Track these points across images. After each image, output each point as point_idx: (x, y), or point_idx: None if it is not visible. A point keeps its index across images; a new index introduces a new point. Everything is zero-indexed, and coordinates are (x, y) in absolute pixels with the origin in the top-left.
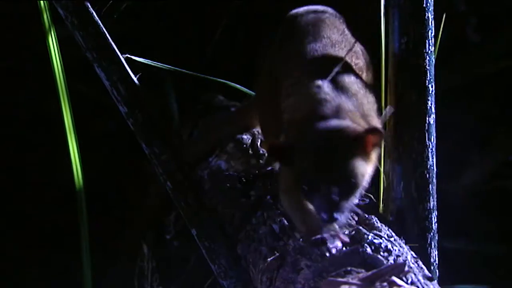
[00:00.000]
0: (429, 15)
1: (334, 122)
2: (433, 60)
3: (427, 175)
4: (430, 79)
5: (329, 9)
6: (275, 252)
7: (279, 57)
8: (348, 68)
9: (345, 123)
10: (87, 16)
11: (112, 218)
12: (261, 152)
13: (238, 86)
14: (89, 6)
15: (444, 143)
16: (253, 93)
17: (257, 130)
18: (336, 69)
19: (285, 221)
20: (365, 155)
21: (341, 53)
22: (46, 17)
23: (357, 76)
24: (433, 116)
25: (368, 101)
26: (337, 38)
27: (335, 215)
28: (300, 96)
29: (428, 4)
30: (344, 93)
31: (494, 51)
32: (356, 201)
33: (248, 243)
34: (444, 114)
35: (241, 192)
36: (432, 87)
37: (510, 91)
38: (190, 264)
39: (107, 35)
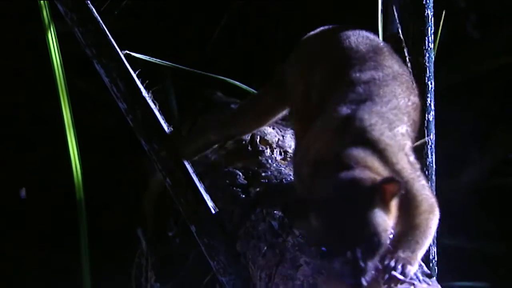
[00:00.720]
0: (429, 12)
1: (350, 174)
2: (433, 57)
3: (426, 172)
4: (429, 76)
5: (374, 35)
6: (274, 248)
7: (320, 73)
8: (402, 105)
9: (361, 173)
10: (86, 12)
11: (112, 215)
12: (260, 148)
13: (237, 83)
14: (89, 2)
15: (443, 140)
16: (252, 90)
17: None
18: (390, 104)
19: (284, 218)
20: (385, 207)
21: (400, 88)
22: (45, 13)
23: (408, 114)
24: (432, 113)
25: (407, 147)
26: (397, 70)
27: (361, 280)
28: (328, 125)
29: (428, 1)
30: (384, 132)
31: (493, 48)
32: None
33: (247, 239)
34: (444, 111)
35: (240, 189)
36: (431, 84)
37: (510, 88)
38: (189, 260)
39: (107, 31)
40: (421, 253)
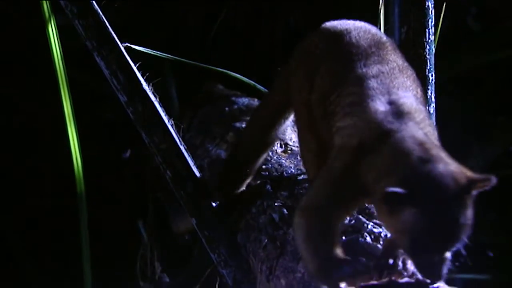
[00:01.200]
0: (430, 4)
1: (443, 167)
2: (433, 49)
3: None
4: (430, 68)
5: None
6: (275, 241)
7: (328, 70)
8: (418, 99)
9: (452, 167)
10: (87, 5)
11: (112, 207)
12: None
13: (238, 75)
14: None
15: (444, 133)
16: (252, 82)
17: None
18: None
19: (285, 210)
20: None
21: (408, 80)
22: (46, 6)
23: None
24: (433, 105)
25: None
26: (402, 64)
27: (441, 275)
28: (368, 122)
29: None
30: (421, 125)
31: (494, 41)
32: None
33: (248, 232)
34: (444, 103)
35: None
36: (432, 76)
37: (510, 80)
38: (194, 252)
39: (107, 24)
40: None
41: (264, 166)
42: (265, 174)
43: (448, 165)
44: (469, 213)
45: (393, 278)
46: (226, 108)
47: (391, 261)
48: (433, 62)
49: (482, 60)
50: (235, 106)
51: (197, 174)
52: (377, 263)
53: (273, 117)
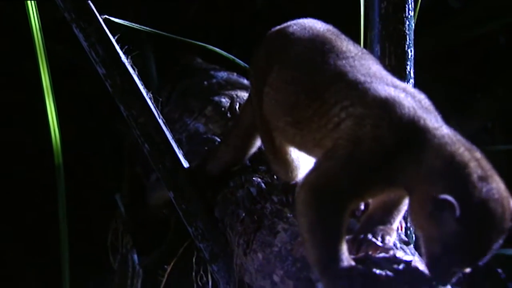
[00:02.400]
0: None
1: (497, 189)
2: (413, 25)
3: None
4: (409, 44)
5: (318, 22)
6: (253, 215)
7: (296, 76)
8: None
9: (502, 190)
10: None
11: (90, 181)
12: None
13: (216, 49)
14: None
15: None
16: (231, 56)
17: (236, 93)
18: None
19: (263, 185)
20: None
21: (375, 64)
22: None
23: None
24: (411, 81)
25: None
26: (359, 51)
27: (450, 281)
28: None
29: None
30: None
31: (473, 17)
32: None
33: (226, 206)
34: (423, 79)
35: None
36: (411, 52)
37: (489, 57)
38: (171, 227)
39: None
40: (398, 222)
41: None
42: None
43: (500, 188)
44: (503, 238)
45: (370, 252)
46: (205, 82)
47: (369, 236)
48: (413, 37)
49: (461, 37)
50: (214, 80)
51: (176, 148)
52: (355, 237)
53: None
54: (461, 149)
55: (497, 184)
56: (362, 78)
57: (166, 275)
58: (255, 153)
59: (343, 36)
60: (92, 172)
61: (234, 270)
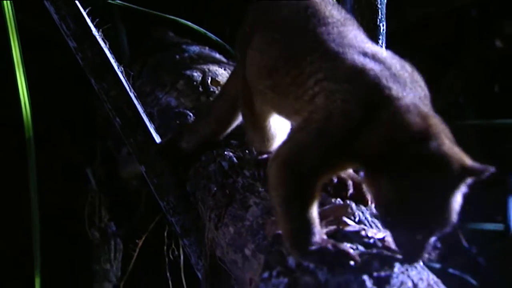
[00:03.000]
0: None
1: (437, 147)
2: None
3: None
4: (381, 18)
5: None
6: (224, 189)
7: (277, 40)
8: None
9: (448, 149)
10: None
11: (61, 154)
12: (211, 89)
13: (188, 23)
14: None
15: None
16: (202, 30)
17: (208, 67)
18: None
19: (235, 159)
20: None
21: (353, 30)
22: None
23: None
24: None
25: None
26: (342, 16)
27: (419, 257)
28: (346, 79)
29: None
30: (408, 85)
31: None
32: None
33: (197, 180)
34: (394, 53)
35: None
36: (383, 26)
37: (462, 31)
38: (142, 200)
39: None
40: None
41: None
42: None
43: (444, 147)
44: (454, 200)
45: (340, 227)
46: (177, 56)
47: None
48: (385, 11)
49: (433, 11)
50: (186, 54)
51: (147, 121)
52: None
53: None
54: (417, 119)
55: (441, 143)
56: (335, 49)
57: (137, 249)
58: None
59: (329, 0)
60: (63, 146)
61: (206, 244)
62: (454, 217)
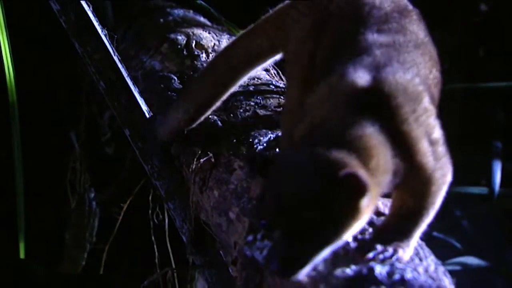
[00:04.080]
0: None
1: (326, 153)
2: None
3: None
4: None
5: None
6: (209, 152)
7: (332, 31)
8: (423, 76)
9: (339, 157)
10: None
11: (45, 119)
12: (195, 53)
13: None
14: None
15: None
16: None
17: (192, 31)
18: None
19: (219, 122)
20: (350, 204)
21: (422, 57)
22: None
23: (429, 88)
24: None
25: (431, 127)
26: (422, 39)
27: (292, 271)
28: (338, 90)
29: None
30: (408, 109)
31: None
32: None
33: (181, 144)
34: None
35: (175, 93)
36: None
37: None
38: (125, 164)
39: None
40: (417, 235)
41: None
42: None
43: (336, 157)
44: (331, 207)
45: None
46: (161, 20)
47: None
48: None
49: None
50: (170, 18)
51: (131, 85)
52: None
53: (252, 57)
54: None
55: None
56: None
57: (122, 213)
58: None
59: (422, 22)
60: (47, 111)
61: (190, 207)
62: (336, 231)
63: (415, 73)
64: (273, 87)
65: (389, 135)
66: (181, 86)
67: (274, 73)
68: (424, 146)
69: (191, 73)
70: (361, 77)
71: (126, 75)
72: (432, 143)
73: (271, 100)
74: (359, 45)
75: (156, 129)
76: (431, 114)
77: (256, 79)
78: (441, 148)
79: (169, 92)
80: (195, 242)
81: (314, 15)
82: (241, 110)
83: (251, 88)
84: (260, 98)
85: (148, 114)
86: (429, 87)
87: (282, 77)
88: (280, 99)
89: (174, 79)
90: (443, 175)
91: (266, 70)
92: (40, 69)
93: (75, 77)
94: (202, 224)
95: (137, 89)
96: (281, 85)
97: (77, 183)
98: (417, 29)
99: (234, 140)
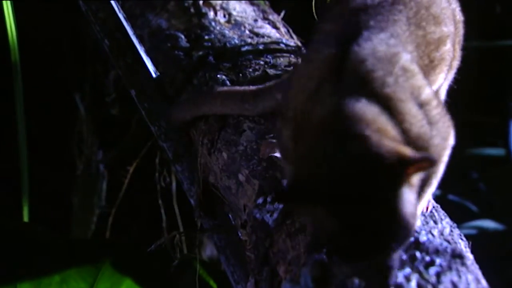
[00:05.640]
0: None
1: (365, 145)
2: None
3: None
4: None
5: None
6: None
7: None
8: (411, 36)
9: (381, 144)
10: None
11: (49, 79)
12: (203, 10)
13: None
14: None
15: None
16: None
17: None
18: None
19: (228, 82)
20: (411, 187)
21: (400, 14)
22: None
23: (428, 56)
24: None
25: (417, 86)
26: None
27: (389, 279)
28: (312, 67)
29: None
30: (387, 73)
31: None
32: None
33: None
34: None
35: (182, 52)
36: None
37: None
38: (132, 126)
39: None
40: (424, 202)
41: (206, 37)
42: (207, 45)
43: (378, 145)
44: (404, 201)
45: None
46: None
47: None
48: None
49: None
50: None
51: (137, 44)
52: None
53: None
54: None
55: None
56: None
57: (128, 176)
58: (219, 51)
59: None
60: (51, 71)
61: (198, 170)
62: (411, 223)
63: (388, 34)
64: (283, 45)
65: (377, 105)
66: (188, 44)
67: (285, 31)
68: (412, 110)
69: (199, 31)
70: (331, 48)
71: (132, 33)
72: (422, 105)
73: (281, 59)
74: (340, 10)
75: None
76: (414, 74)
77: (266, 37)
78: (436, 110)
79: (176, 51)
80: (204, 205)
81: None
82: (250, 70)
83: (260, 47)
84: (270, 57)
85: (155, 74)
86: (418, 45)
87: (293, 35)
88: (290, 58)
89: (181, 38)
90: (442, 140)
91: (276, 28)
92: (43, 27)
93: (79, 36)
94: (210, 187)
95: (143, 48)
96: (292, 44)
97: (84, 146)
98: None
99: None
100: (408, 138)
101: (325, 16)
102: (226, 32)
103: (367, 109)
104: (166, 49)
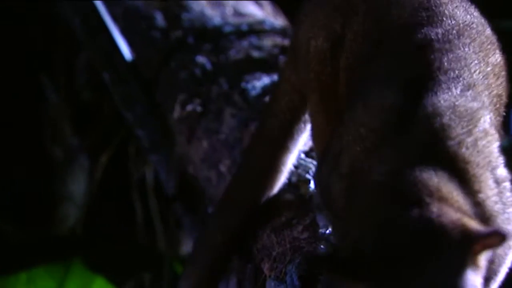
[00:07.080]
0: None
1: (426, 217)
2: None
3: None
4: None
5: None
6: (197, 99)
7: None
8: (478, 77)
9: (444, 216)
10: None
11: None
12: None
13: None
14: None
15: None
16: None
17: None
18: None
19: (209, 65)
20: (476, 266)
21: (472, 46)
22: None
23: (488, 88)
24: None
25: (493, 155)
26: (464, 18)
27: None
28: (370, 119)
29: None
30: (462, 138)
31: None
32: None
33: (166, 89)
34: None
35: (159, 32)
36: None
37: None
38: (104, 112)
39: None
40: None
41: (185, 16)
42: (186, 25)
43: (440, 217)
44: (467, 283)
45: None
46: None
47: None
48: None
49: None
50: None
51: (112, 24)
52: None
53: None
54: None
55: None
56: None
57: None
58: (199, 31)
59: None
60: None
61: (176, 159)
62: None
63: (466, 82)
64: (268, 26)
65: (449, 170)
66: (165, 24)
67: (270, 10)
68: (489, 180)
69: (177, 10)
70: (394, 100)
71: (106, 13)
72: (498, 181)
73: (266, 41)
74: (387, 50)
75: None
76: (493, 141)
77: (249, 17)
78: (509, 193)
79: (152, 31)
80: (182, 197)
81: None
82: (233, 51)
83: (244, 27)
84: (254, 38)
85: (130, 56)
86: (489, 86)
87: (279, 14)
88: (275, 40)
89: (158, 17)
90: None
91: (261, 7)
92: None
93: (48, 16)
94: (189, 178)
95: (117, 28)
96: (278, 24)
97: (57, 134)
98: (453, 10)
99: (225, 85)
100: (480, 212)
101: (377, 46)
102: (207, 11)
103: (433, 175)
104: (142, 29)
